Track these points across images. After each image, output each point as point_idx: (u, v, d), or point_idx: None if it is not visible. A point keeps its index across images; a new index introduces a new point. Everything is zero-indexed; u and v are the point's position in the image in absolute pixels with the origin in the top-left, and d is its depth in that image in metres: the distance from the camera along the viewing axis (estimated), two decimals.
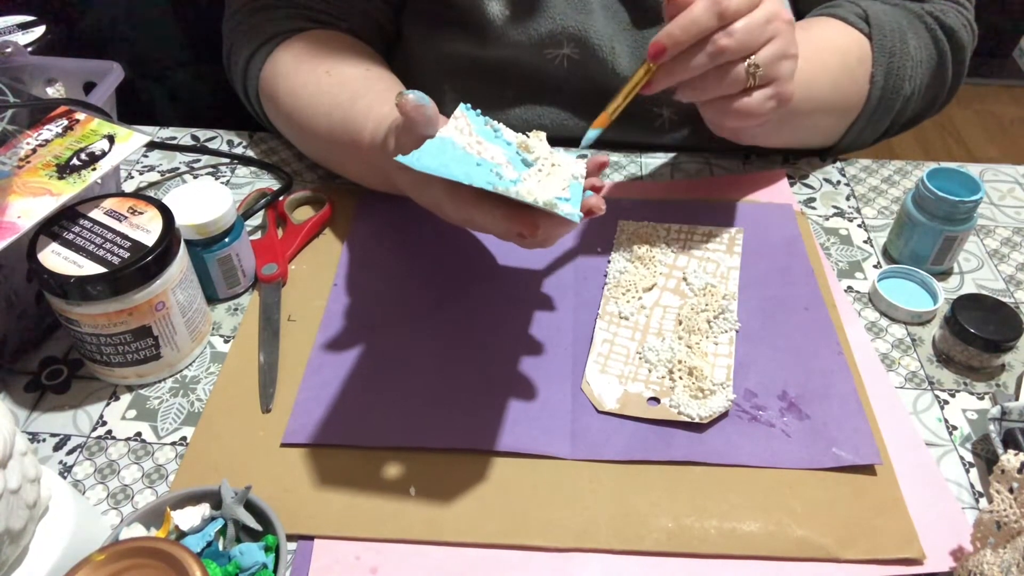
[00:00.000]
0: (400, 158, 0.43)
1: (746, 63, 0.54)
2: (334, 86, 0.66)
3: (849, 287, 0.65)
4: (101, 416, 0.56)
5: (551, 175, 0.48)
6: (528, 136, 0.51)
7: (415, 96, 0.47)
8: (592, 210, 0.47)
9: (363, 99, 0.64)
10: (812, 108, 0.67)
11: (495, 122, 0.51)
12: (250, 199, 0.71)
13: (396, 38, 0.80)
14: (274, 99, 0.71)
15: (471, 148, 0.47)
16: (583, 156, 0.65)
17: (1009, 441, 0.51)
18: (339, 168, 0.71)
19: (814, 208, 0.73)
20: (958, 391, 0.57)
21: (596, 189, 0.50)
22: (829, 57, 0.67)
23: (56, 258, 0.51)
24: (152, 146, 0.78)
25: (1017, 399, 0.56)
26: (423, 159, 0.44)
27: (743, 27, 0.52)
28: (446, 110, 0.52)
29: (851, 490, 0.50)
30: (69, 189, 0.53)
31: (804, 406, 0.54)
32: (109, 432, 0.55)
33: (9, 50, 0.67)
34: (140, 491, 0.51)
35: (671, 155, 0.78)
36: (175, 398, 0.57)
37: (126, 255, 0.51)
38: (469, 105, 0.51)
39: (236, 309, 0.63)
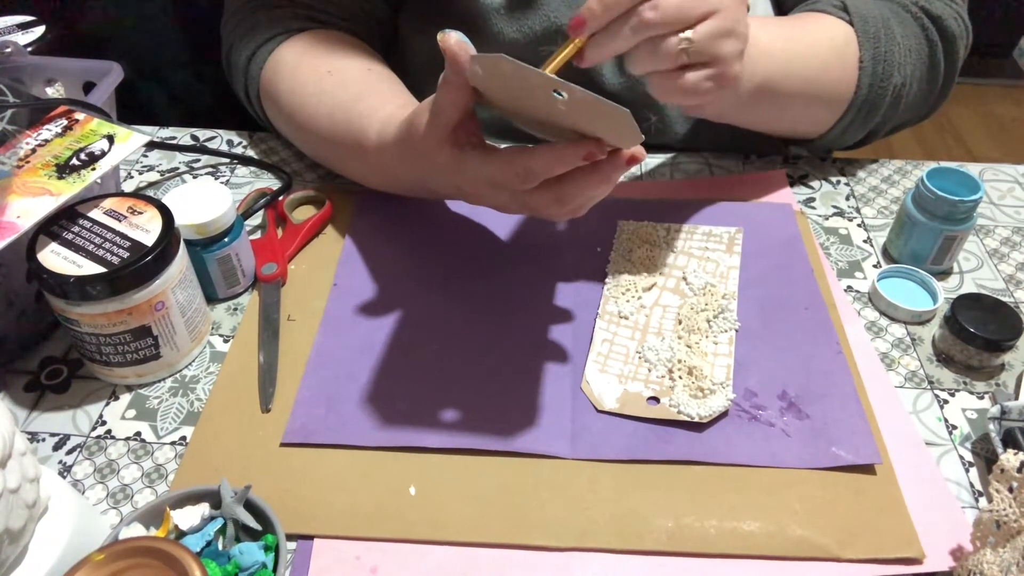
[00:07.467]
0: (478, 56, 0.44)
1: (677, 39, 0.50)
2: (336, 86, 0.66)
3: (849, 287, 0.65)
4: (101, 416, 0.56)
5: None
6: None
7: (458, 34, 0.46)
8: (635, 156, 0.49)
9: (366, 99, 0.64)
10: (796, 90, 0.64)
11: None
12: (250, 199, 0.71)
13: (394, 37, 0.80)
14: (275, 99, 0.71)
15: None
16: None
17: (1009, 440, 0.51)
18: (340, 168, 0.71)
19: (814, 208, 0.73)
20: (958, 390, 0.57)
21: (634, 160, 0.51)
22: (814, 39, 0.65)
23: (56, 258, 0.51)
24: (152, 146, 0.78)
25: (1017, 398, 0.56)
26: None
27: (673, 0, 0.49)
28: None
29: (851, 490, 0.50)
30: (69, 189, 0.53)
31: (804, 406, 0.54)
32: (109, 432, 0.55)
33: (9, 50, 0.67)
34: (140, 491, 0.51)
35: (671, 155, 0.78)
36: (175, 398, 0.57)
37: (126, 255, 0.51)
38: None
39: (236, 309, 0.63)
